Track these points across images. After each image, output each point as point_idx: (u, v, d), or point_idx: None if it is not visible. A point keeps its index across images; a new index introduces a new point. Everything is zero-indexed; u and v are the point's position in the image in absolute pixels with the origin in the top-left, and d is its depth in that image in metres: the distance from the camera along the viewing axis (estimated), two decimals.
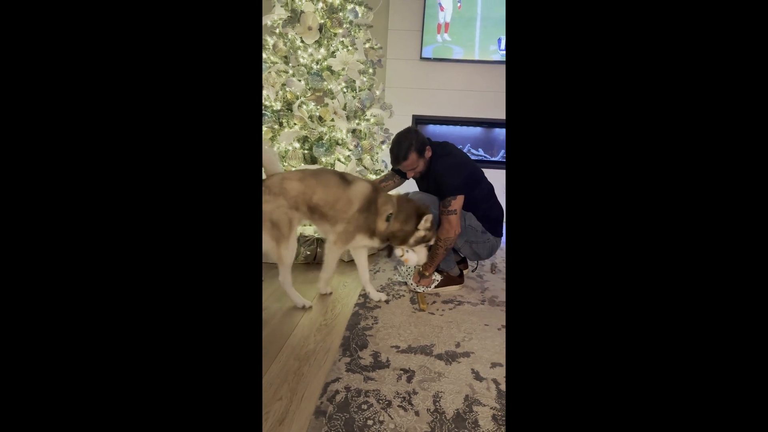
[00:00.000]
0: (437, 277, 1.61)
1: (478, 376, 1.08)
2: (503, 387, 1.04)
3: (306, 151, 2.00)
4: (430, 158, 1.57)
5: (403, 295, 1.58)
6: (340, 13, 1.98)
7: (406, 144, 1.50)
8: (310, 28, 1.88)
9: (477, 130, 3.18)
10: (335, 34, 1.98)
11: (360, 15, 2.09)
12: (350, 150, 2.00)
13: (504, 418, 0.92)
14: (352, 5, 2.05)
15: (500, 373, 1.10)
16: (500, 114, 3.03)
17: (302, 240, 1.87)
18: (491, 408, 0.96)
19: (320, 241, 1.88)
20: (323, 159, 1.95)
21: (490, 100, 3.01)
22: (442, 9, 2.83)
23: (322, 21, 1.93)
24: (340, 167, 1.96)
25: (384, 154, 2.35)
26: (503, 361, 1.16)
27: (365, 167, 2.16)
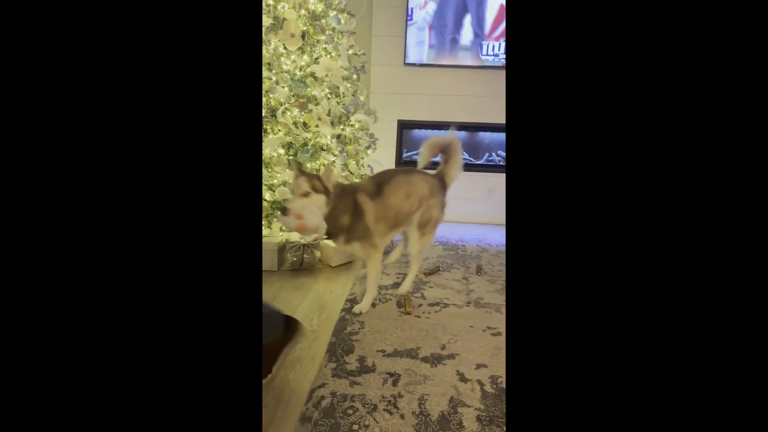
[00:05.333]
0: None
1: (463, 378, 1.09)
2: (488, 388, 1.06)
3: (291, 157, 2.00)
4: None
5: (390, 299, 1.59)
6: (323, 20, 1.99)
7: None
8: (292, 35, 1.89)
9: (462, 134, 3.22)
10: (318, 41, 1.99)
11: (342, 22, 2.10)
12: (335, 155, 2.01)
13: (488, 419, 0.94)
14: (334, 12, 2.06)
15: (485, 374, 1.12)
16: (482, 118, 3.07)
17: (288, 246, 1.87)
18: (476, 409, 0.97)
19: (306, 247, 1.88)
20: (308, 165, 1.96)
21: (472, 104, 3.06)
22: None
23: (305, 28, 1.93)
24: None
25: (369, 159, 2.36)
26: (488, 362, 1.18)
27: (351, 172, 2.17)
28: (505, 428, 0.91)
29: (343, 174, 2.07)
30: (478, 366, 1.16)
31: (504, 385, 1.07)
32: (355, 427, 0.89)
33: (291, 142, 1.95)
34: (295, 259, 1.87)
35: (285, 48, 1.93)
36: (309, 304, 1.55)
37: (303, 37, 1.93)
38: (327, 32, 1.98)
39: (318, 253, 1.93)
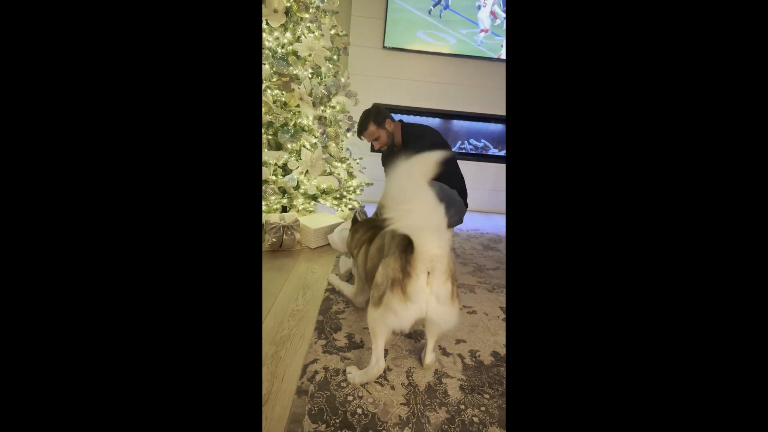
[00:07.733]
0: None
1: (444, 352, 1.18)
2: (468, 361, 1.15)
3: (270, 137, 1.97)
4: (402, 138, 1.91)
5: None
6: None
7: (364, 117, 1.87)
8: (275, 11, 1.84)
9: (436, 121, 3.29)
10: (301, 19, 1.94)
11: (326, 1, 2.07)
12: (316, 137, 2.00)
13: (470, 387, 1.03)
14: None
15: (464, 349, 1.21)
16: (458, 106, 3.15)
17: (268, 227, 1.87)
18: (458, 380, 1.06)
19: (285, 229, 1.88)
20: (288, 145, 1.94)
21: (451, 91, 3.12)
22: None
23: (288, 4, 1.88)
24: (306, 154, 1.96)
25: (348, 142, 2.37)
26: (466, 337, 1.28)
27: (331, 154, 2.17)
28: (485, 396, 1.00)
29: (324, 156, 2.08)
30: (458, 341, 1.25)
31: (482, 357, 1.17)
32: (350, 398, 0.95)
33: (271, 122, 1.92)
34: (274, 240, 1.87)
35: (267, 24, 1.88)
36: (292, 284, 1.57)
37: (286, 13, 1.88)
38: (311, 10, 1.94)
39: (298, 235, 1.94)
